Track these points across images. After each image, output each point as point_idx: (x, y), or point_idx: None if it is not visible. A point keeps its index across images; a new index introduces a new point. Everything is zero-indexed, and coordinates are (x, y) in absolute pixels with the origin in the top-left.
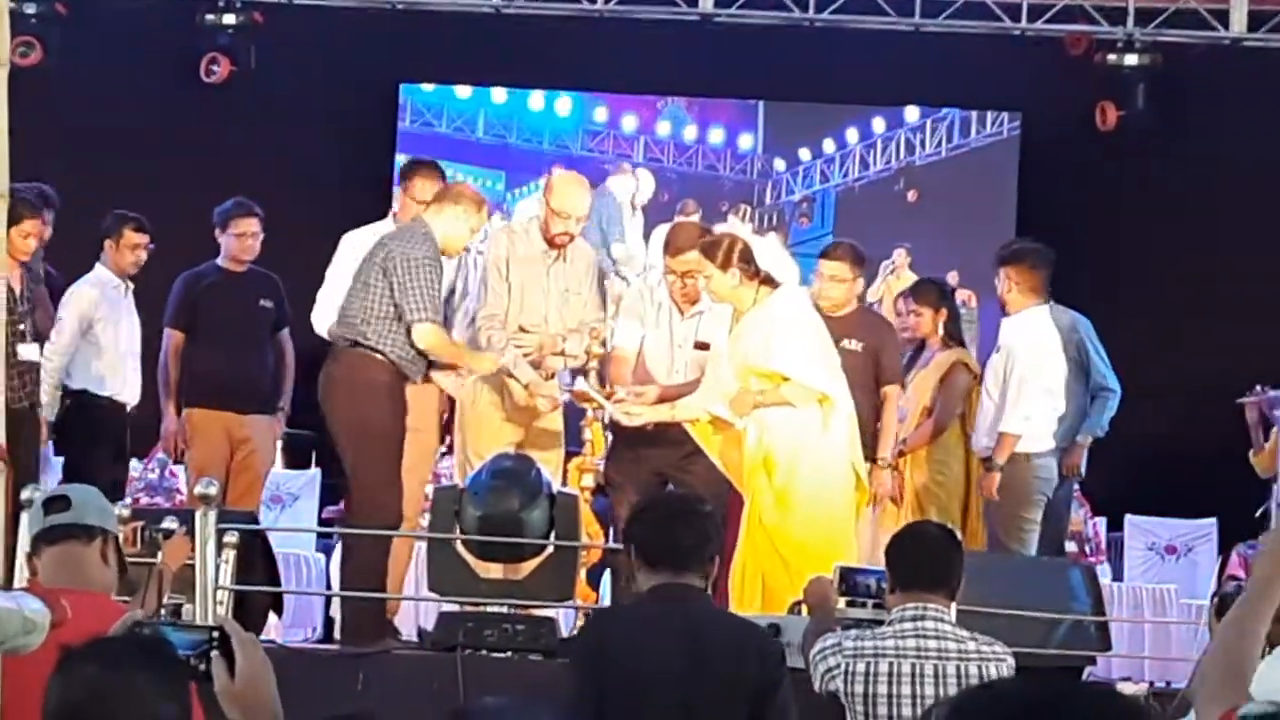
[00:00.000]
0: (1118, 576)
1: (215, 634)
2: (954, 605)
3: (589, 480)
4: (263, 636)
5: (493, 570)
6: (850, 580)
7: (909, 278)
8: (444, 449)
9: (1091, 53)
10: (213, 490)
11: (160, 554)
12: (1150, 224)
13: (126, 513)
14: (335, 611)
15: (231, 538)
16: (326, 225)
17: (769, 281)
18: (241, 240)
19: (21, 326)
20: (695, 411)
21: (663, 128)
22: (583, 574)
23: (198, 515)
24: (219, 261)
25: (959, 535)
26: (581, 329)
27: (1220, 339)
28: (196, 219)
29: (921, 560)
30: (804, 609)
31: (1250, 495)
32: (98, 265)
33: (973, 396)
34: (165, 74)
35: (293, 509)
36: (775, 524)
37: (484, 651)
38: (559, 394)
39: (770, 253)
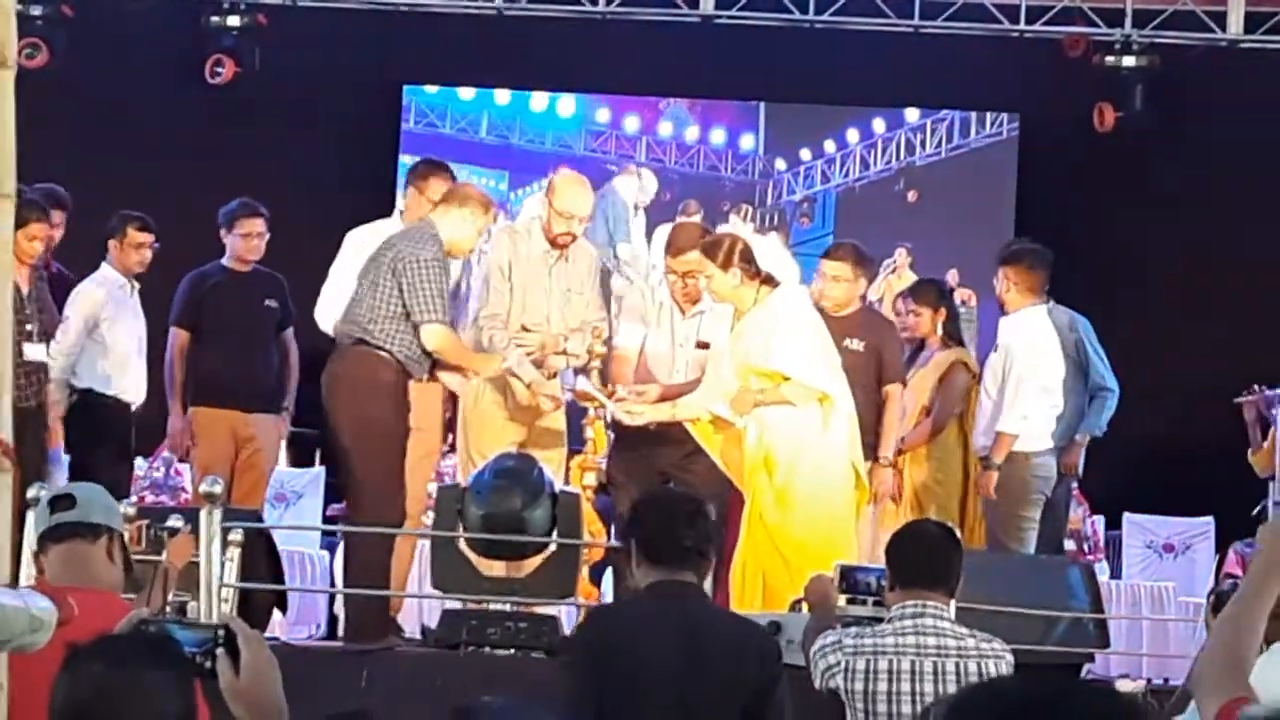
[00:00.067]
0: (1116, 574)
1: (221, 632)
2: (953, 603)
3: (591, 479)
4: (267, 634)
5: (495, 568)
6: (850, 578)
7: (910, 277)
8: (447, 448)
9: (1089, 54)
10: (217, 489)
11: (165, 552)
12: (1148, 224)
13: (131, 511)
14: (339, 609)
15: (236, 536)
16: (330, 226)
17: (770, 281)
18: (247, 240)
19: (29, 327)
20: (696, 410)
21: (665, 128)
22: (585, 572)
23: (202, 513)
24: (224, 261)
25: (958, 534)
26: (583, 328)
27: (1217, 339)
28: (201, 219)
29: (921, 558)
30: (804, 607)
31: (1247, 494)
32: (103, 265)
33: (972, 396)
34: (170, 75)
35: (297, 507)
36: (776, 522)
37: (487, 649)
38: (561, 393)
39: (771, 252)
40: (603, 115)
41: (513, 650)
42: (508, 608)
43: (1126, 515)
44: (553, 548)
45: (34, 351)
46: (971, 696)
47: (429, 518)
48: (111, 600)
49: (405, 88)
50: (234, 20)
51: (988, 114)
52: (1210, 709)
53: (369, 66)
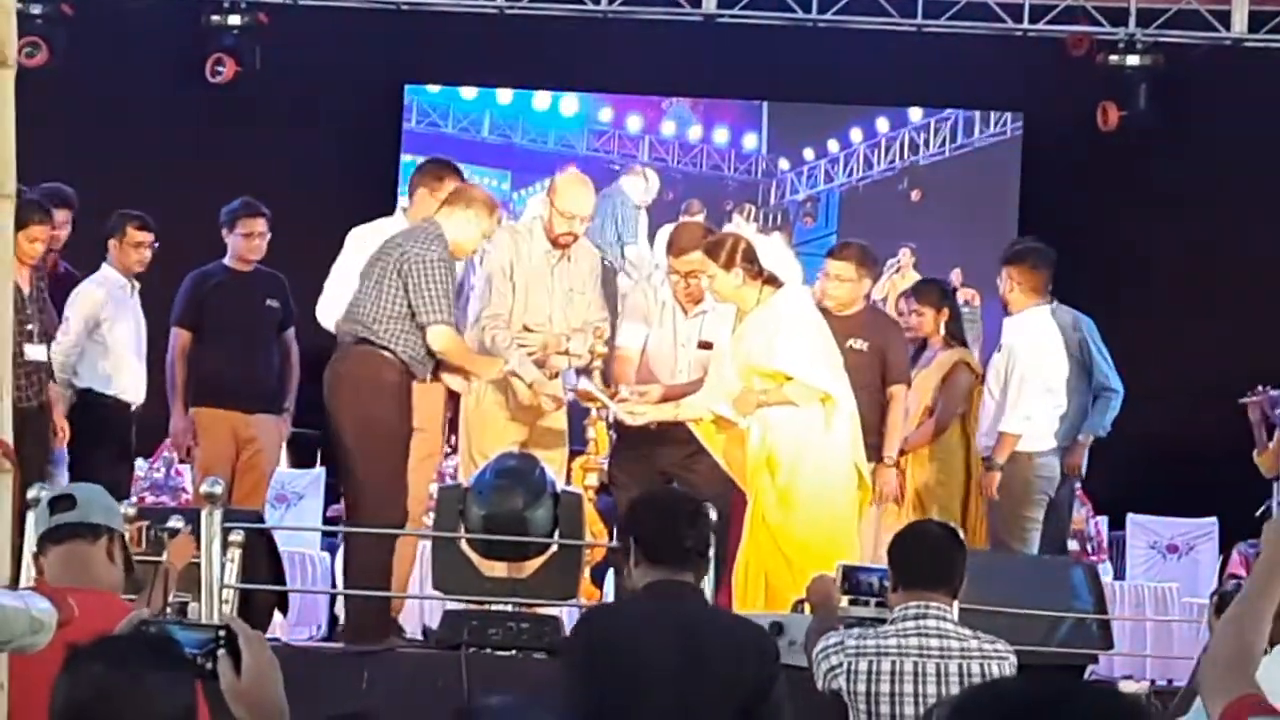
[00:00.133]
0: (1119, 575)
1: (222, 632)
2: (956, 604)
3: (593, 479)
4: (268, 635)
5: (497, 569)
6: (853, 579)
7: (914, 277)
8: (448, 448)
9: (1093, 53)
10: (218, 489)
11: (165, 553)
12: (1152, 224)
13: (132, 512)
14: (340, 610)
15: (237, 536)
16: (331, 225)
17: (772, 281)
18: (248, 240)
19: (29, 327)
20: (699, 411)
21: (667, 128)
22: (587, 572)
23: (203, 514)
24: (226, 261)
25: (961, 534)
26: (585, 328)
27: (1222, 338)
28: (202, 219)
29: (924, 559)
30: (807, 607)
31: (1251, 494)
32: (104, 265)
33: (974, 396)
34: (171, 75)
35: (298, 508)
36: (778, 523)
37: (488, 650)
38: (563, 393)
39: (774, 252)
40: (605, 115)
41: (514, 651)
42: (509, 608)
43: (1130, 516)
44: (554, 548)
45: (35, 352)
46: (974, 697)
47: (430, 518)
48: (111, 601)
49: (407, 87)
50: (235, 19)
51: (991, 113)
52: (1216, 708)
53: (370, 66)
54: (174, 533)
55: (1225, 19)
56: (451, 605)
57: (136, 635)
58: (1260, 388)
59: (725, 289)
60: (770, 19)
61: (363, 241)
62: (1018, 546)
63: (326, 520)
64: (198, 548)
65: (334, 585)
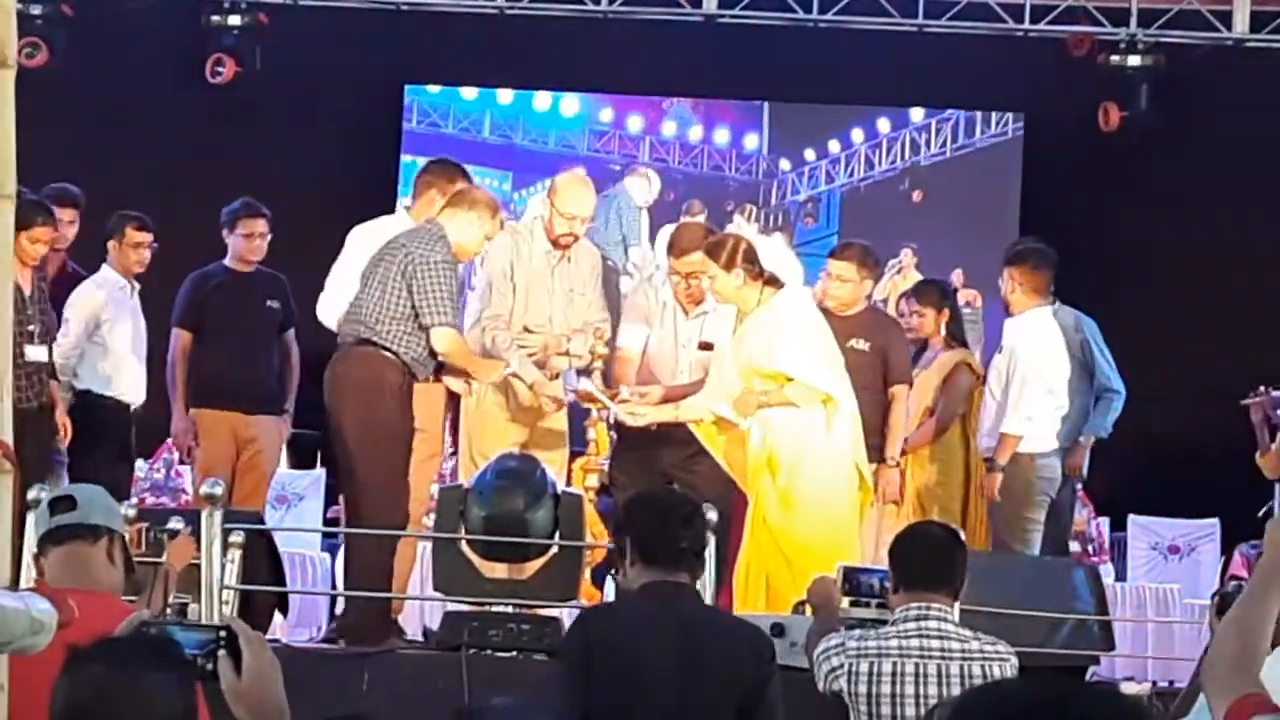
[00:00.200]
0: (1121, 576)
1: (222, 633)
2: (957, 605)
3: (593, 480)
4: (268, 636)
5: (497, 570)
6: (854, 580)
7: (915, 278)
8: (451, 450)
9: (1094, 53)
10: (218, 490)
11: (165, 554)
12: (1153, 224)
13: (132, 513)
14: (339, 608)
15: (237, 538)
16: (332, 226)
17: (773, 282)
18: (249, 241)
19: (30, 328)
20: (699, 412)
21: (668, 128)
22: (587, 573)
23: (203, 515)
24: (226, 262)
25: (962, 535)
26: (586, 329)
27: (1223, 339)
28: (202, 220)
29: (924, 560)
30: (808, 609)
31: (1253, 495)
32: (104, 266)
33: (975, 397)
34: (171, 75)
35: (298, 509)
36: (779, 524)
37: (489, 651)
38: (563, 394)
39: (775, 253)
40: (606, 115)
41: (515, 652)
42: (510, 610)
43: (1131, 517)
44: (555, 549)
45: (35, 353)
46: (976, 698)
47: (431, 519)
48: (112, 602)
49: (407, 87)
50: (235, 19)
51: (992, 114)
52: (1220, 707)
53: (371, 66)
54: (174, 534)
55: (1227, 19)
56: (452, 606)
57: (137, 636)
58: (1261, 389)
59: (726, 290)
60: (771, 19)
61: (365, 240)
62: (1019, 548)
63: (326, 521)
64: (198, 549)
65: (334, 586)
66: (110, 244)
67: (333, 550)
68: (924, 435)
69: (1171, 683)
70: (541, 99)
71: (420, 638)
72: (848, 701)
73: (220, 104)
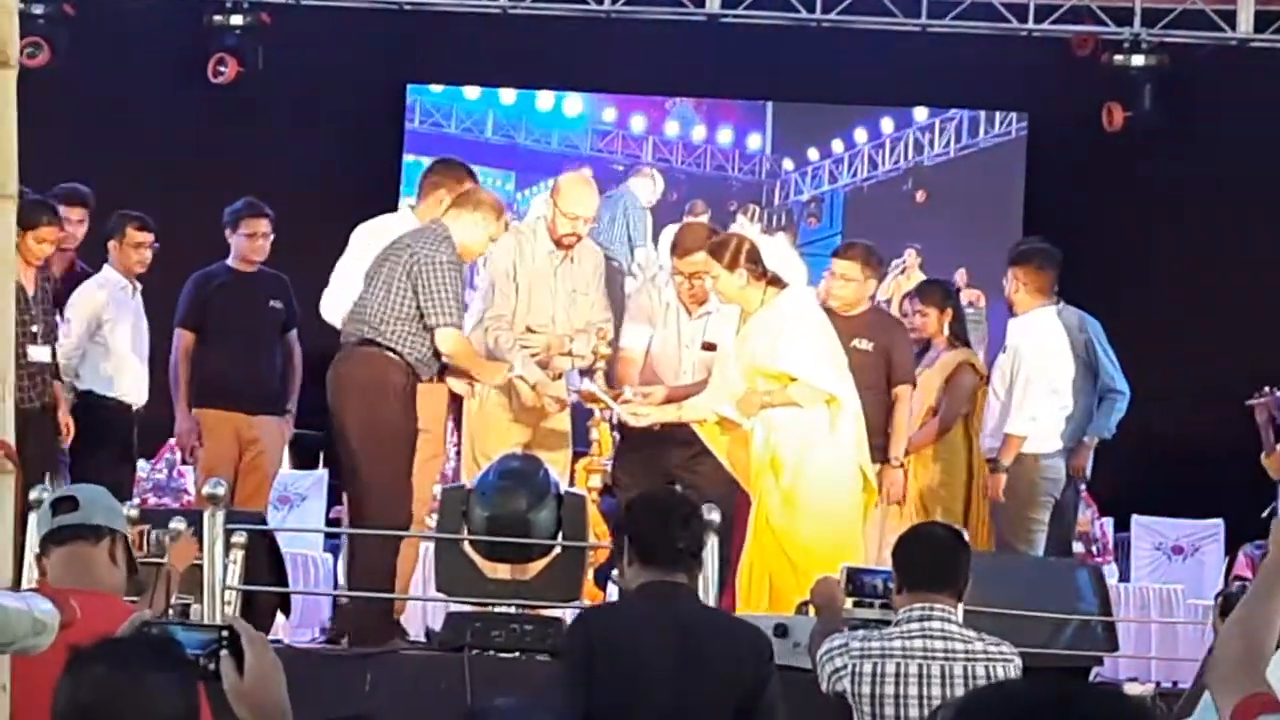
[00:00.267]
0: (1124, 577)
1: (225, 633)
2: (961, 606)
3: (596, 481)
4: (270, 637)
5: (500, 570)
6: (857, 581)
7: (919, 278)
8: (454, 450)
9: (1098, 53)
10: (221, 491)
11: (167, 554)
12: (1157, 224)
13: (134, 513)
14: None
15: (239, 538)
16: (334, 226)
17: (776, 282)
18: (252, 240)
19: (33, 328)
20: (702, 412)
21: (671, 128)
22: (590, 574)
23: (206, 516)
24: (229, 262)
25: (966, 536)
26: (589, 329)
27: (1227, 339)
28: (204, 220)
29: (928, 561)
30: (811, 609)
31: (1257, 495)
32: (105, 266)
33: (978, 397)
34: (173, 75)
35: (300, 509)
36: (782, 525)
37: (491, 652)
38: (566, 394)
39: (779, 253)
40: (609, 115)
41: (517, 653)
42: (512, 610)
43: (1135, 517)
44: (558, 550)
45: (38, 353)
46: (979, 699)
47: (434, 519)
48: (114, 603)
49: (410, 87)
50: (237, 19)
51: (996, 113)
52: (1227, 706)
53: (373, 65)
54: (175, 535)
55: (1231, 19)
56: (454, 607)
57: (139, 637)
58: (1267, 389)
59: (729, 290)
60: (774, 19)
61: (369, 238)
62: (1023, 548)
63: (329, 522)
64: (200, 550)
65: (336, 587)
66: (111, 244)
67: (335, 551)
68: (927, 435)
69: (1175, 683)
70: (544, 99)
71: (423, 638)
72: (851, 702)
73: (222, 104)
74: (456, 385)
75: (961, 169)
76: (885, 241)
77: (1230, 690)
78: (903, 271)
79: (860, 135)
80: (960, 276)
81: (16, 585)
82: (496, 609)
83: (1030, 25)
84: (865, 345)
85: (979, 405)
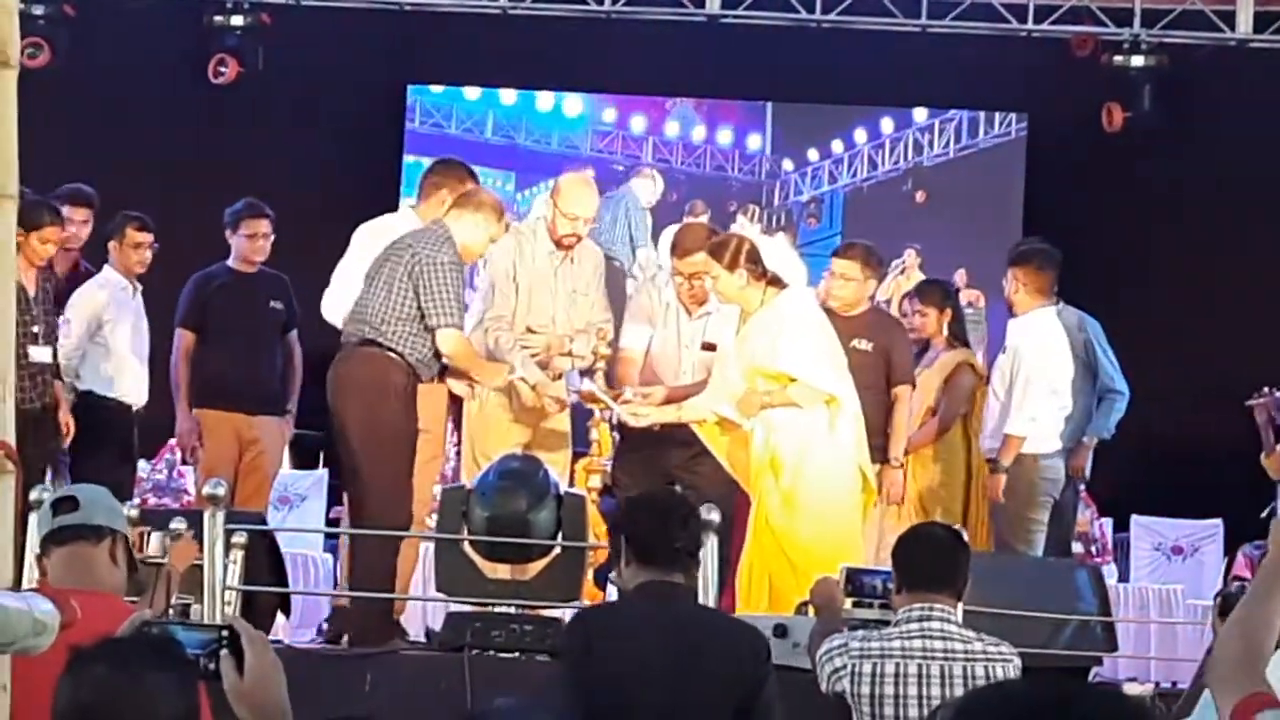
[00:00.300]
0: (1124, 577)
1: (225, 633)
2: (960, 606)
3: (596, 481)
4: (270, 637)
5: (500, 571)
6: (857, 581)
7: (919, 278)
8: (454, 451)
9: (1098, 54)
10: (221, 491)
11: (167, 555)
12: (1156, 225)
13: (134, 514)
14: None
15: (239, 538)
16: (334, 226)
17: (776, 282)
18: (252, 241)
19: (34, 329)
20: (702, 412)
21: (671, 128)
22: (590, 574)
23: (206, 516)
24: (229, 262)
25: (965, 536)
26: (589, 330)
27: (1226, 340)
28: (204, 220)
29: (927, 561)
30: (811, 609)
31: (1256, 495)
32: (105, 267)
33: (977, 397)
34: (173, 75)
35: (300, 509)
36: (782, 525)
37: (491, 652)
38: (566, 395)
39: (779, 253)
40: (609, 115)
41: (517, 653)
42: (512, 610)
43: (1134, 517)
44: (557, 550)
45: (39, 354)
46: (979, 699)
47: (434, 520)
48: (114, 603)
49: (410, 87)
50: (237, 20)
51: (996, 114)
52: (1227, 705)
53: (373, 66)
54: (176, 536)
55: (1230, 19)
56: (454, 607)
57: (139, 636)
58: (1266, 390)
59: (729, 290)
60: (774, 19)
61: (370, 238)
62: (1023, 549)
63: (329, 522)
64: (199, 550)
65: (335, 587)
66: (111, 244)
67: (335, 551)
68: (926, 435)
69: (1174, 683)
70: (544, 99)
71: (423, 638)
72: (850, 702)
73: (222, 104)
74: (457, 387)
75: (961, 169)
76: (885, 242)
77: (1230, 690)
78: (902, 272)
79: (860, 136)
80: (960, 277)
81: (17, 585)
82: (496, 609)
83: (1030, 26)
84: (864, 345)
85: (978, 405)
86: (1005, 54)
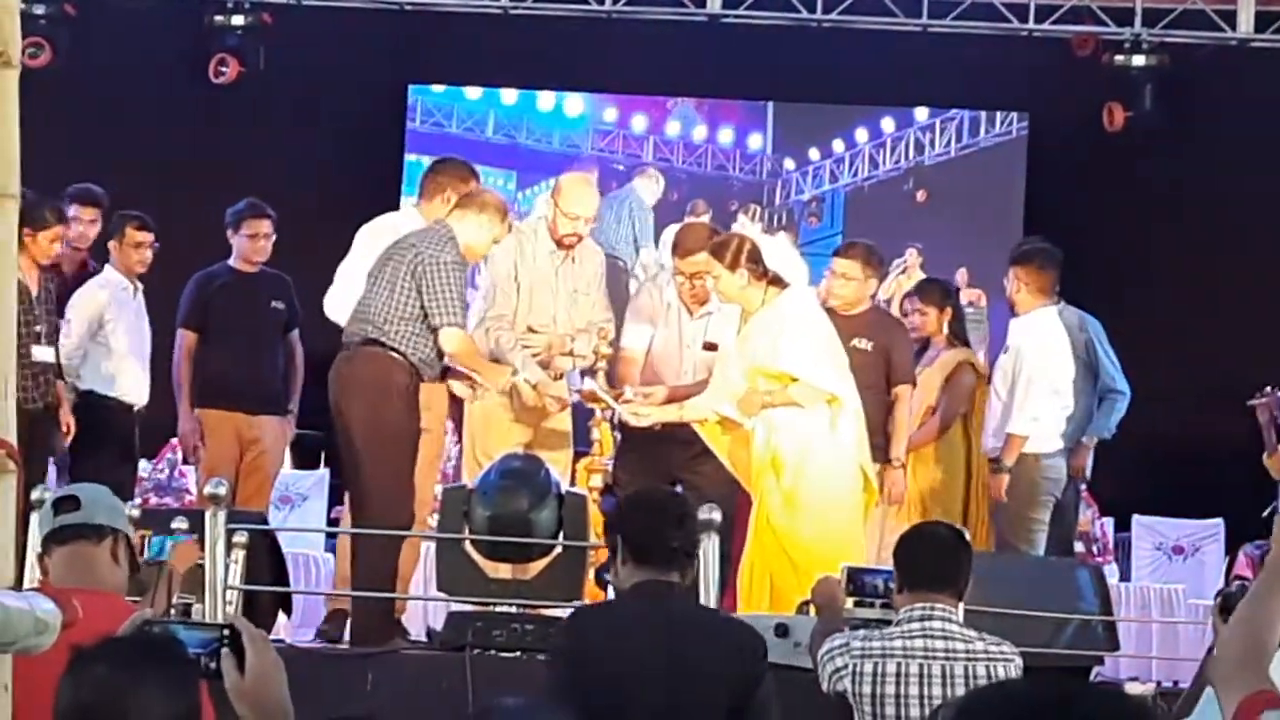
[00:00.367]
0: (1125, 577)
1: (226, 632)
2: (961, 605)
3: (597, 480)
4: (272, 636)
5: (501, 570)
6: (858, 580)
7: (920, 278)
8: (456, 450)
9: (1099, 53)
10: (223, 490)
11: (169, 557)
12: (1157, 224)
13: (136, 514)
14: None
15: (241, 538)
16: (335, 226)
17: (777, 282)
18: (254, 241)
19: (37, 328)
20: (703, 412)
21: (672, 128)
22: (591, 574)
23: (208, 515)
24: (231, 262)
25: (967, 535)
26: (590, 329)
27: (1227, 339)
28: (205, 220)
29: (929, 560)
30: (812, 609)
31: (1257, 495)
32: (106, 267)
33: (977, 396)
34: (174, 75)
35: (301, 509)
36: (783, 525)
37: (493, 651)
38: (567, 394)
39: (780, 253)
40: (610, 115)
41: (519, 653)
42: (514, 610)
43: (1136, 517)
44: (559, 550)
45: (42, 353)
46: (980, 699)
47: (435, 519)
48: (116, 602)
49: (411, 87)
50: (238, 19)
51: (997, 113)
52: (1230, 704)
53: (374, 66)
54: (177, 538)
55: (1231, 19)
56: (456, 607)
57: (140, 636)
58: (1268, 389)
59: (730, 290)
60: (775, 19)
61: (373, 237)
62: (1024, 548)
63: (330, 522)
64: (201, 552)
65: (334, 588)
66: (111, 244)
67: (336, 551)
68: (926, 434)
69: (1176, 683)
70: (545, 99)
71: (424, 638)
72: (852, 702)
73: (223, 104)
74: (458, 389)
75: (962, 169)
76: (886, 241)
77: (1234, 688)
78: (904, 271)
79: (861, 135)
80: (961, 276)
81: (19, 585)
82: (498, 609)
83: (1031, 25)
84: (865, 345)
85: (978, 405)
86: (1006, 53)
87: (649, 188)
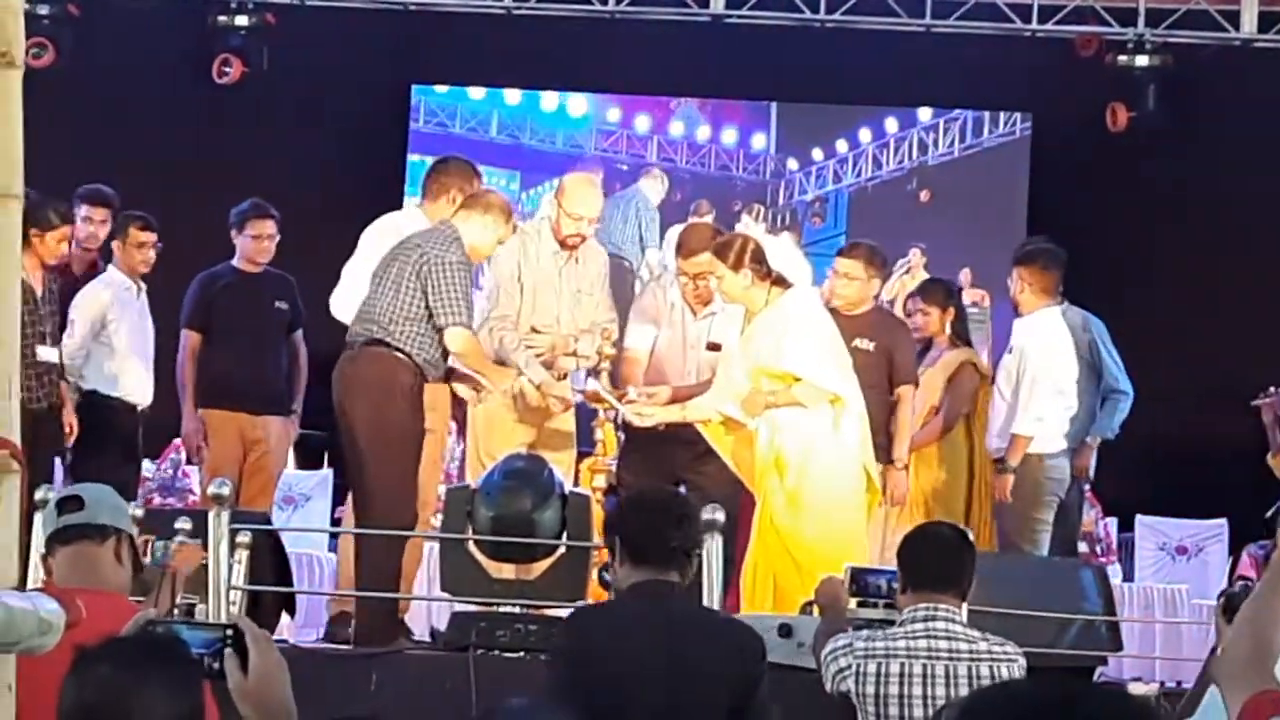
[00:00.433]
0: (1129, 577)
1: (229, 632)
2: (965, 605)
3: (601, 481)
4: (275, 636)
5: (505, 570)
6: (861, 581)
7: (924, 278)
8: (459, 450)
9: (1102, 54)
10: (226, 491)
11: (171, 559)
12: (1161, 225)
13: (139, 514)
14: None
15: (244, 538)
16: (338, 226)
17: (781, 282)
18: (258, 242)
19: (42, 329)
20: (707, 412)
21: (676, 128)
22: (595, 574)
23: (211, 515)
24: (234, 263)
25: (970, 536)
26: (593, 330)
27: (1230, 340)
28: (209, 220)
29: (933, 561)
30: (815, 609)
31: (1260, 495)
32: (109, 267)
33: (980, 396)
34: (177, 75)
35: (305, 509)
36: (787, 525)
37: (496, 651)
38: (571, 395)
39: (783, 253)
40: (613, 115)
41: (522, 653)
42: (517, 610)
43: (1139, 517)
44: (562, 550)
45: (47, 354)
46: (984, 699)
47: (438, 519)
48: (119, 602)
49: (414, 87)
50: (241, 20)
51: (1000, 114)
52: (1236, 704)
53: (377, 66)
54: (180, 541)
55: (1235, 19)
56: (459, 607)
57: (143, 636)
58: (1272, 389)
59: (734, 290)
60: (778, 19)
61: (378, 237)
62: (1028, 549)
63: (333, 522)
64: (204, 554)
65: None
66: (114, 244)
67: (338, 551)
68: (929, 434)
69: (1179, 683)
70: (549, 99)
71: (428, 638)
72: (855, 702)
73: (227, 104)
74: (461, 391)
75: (965, 169)
76: (889, 241)
77: (1240, 687)
78: (907, 271)
79: (864, 135)
80: (964, 276)
81: (22, 585)
82: (501, 609)
83: (1034, 25)
84: (867, 345)
85: (981, 405)
86: (1010, 54)
87: (654, 188)
